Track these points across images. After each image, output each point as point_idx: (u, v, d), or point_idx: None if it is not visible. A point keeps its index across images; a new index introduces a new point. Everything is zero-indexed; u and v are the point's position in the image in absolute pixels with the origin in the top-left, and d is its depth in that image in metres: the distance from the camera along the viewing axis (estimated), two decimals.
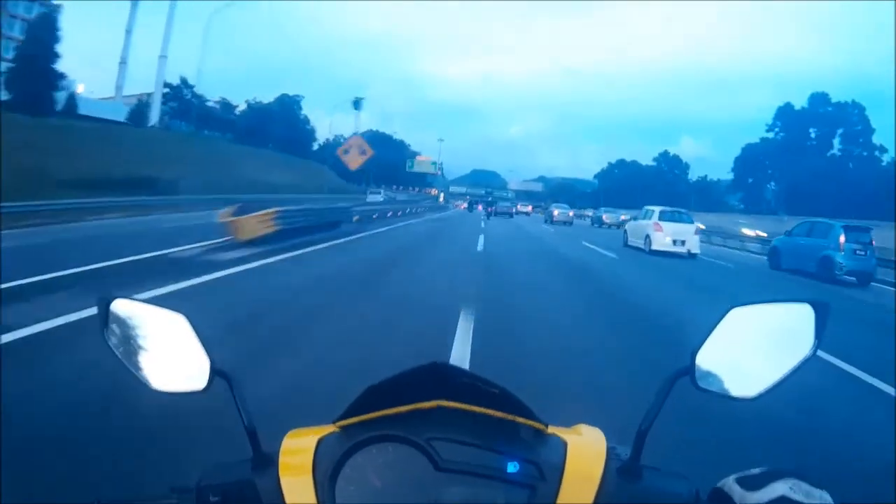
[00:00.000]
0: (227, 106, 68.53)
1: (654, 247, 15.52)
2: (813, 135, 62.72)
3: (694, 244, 15.78)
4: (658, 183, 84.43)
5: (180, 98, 60.60)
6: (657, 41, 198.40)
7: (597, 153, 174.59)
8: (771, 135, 65.49)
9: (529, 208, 69.24)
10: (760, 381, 0.65)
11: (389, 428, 0.61)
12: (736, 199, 69.42)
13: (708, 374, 0.66)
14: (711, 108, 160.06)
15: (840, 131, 60.26)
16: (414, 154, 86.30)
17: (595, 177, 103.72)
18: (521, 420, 0.63)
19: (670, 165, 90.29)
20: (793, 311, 0.66)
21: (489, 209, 49.06)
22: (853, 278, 12.26)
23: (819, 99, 63.06)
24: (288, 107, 73.50)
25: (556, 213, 36.81)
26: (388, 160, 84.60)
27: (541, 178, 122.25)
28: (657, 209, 16.33)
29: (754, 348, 0.66)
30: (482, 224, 26.43)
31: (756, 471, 0.62)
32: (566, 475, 0.60)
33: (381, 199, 43.88)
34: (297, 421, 0.77)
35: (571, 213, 38.36)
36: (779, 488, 0.58)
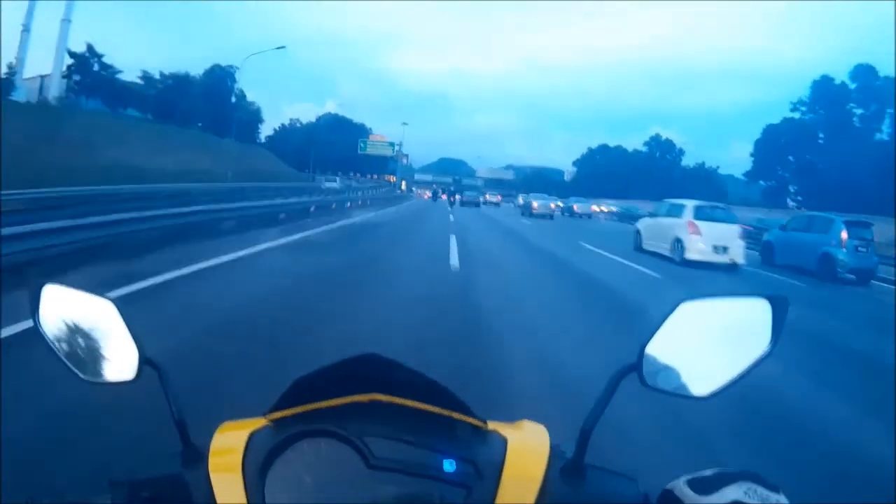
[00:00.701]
0: (150, 81, 60.75)
1: (689, 255, 11.83)
2: (855, 114, 52.77)
3: (738, 251, 12.02)
4: (650, 169, 74.81)
5: (86, 70, 52.89)
6: (627, 32, 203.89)
7: (567, 143, 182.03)
8: (796, 115, 56.30)
9: (499, 198, 66.18)
10: (713, 379, 0.63)
11: (322, 422, 0.61)
12: (754, 190, 61.65)
13: (657, 372, 0.65)
14: (685, 100, 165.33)
15: (891, 111, 49.52)
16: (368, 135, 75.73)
17: (574, 163, 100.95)
18: (458, 416, 0.63)
19: (662, 150, 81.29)
20: (748, 305, 0.64)
21: (452, 198, 46.72)
22: (853, 276, 11.68)
23: (864, 72, 52.39)
24: (219, 80, 65.06)
25: (535, 204, 33.41)
26: (347, 145, 79.52)
27: (510, 167, 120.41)
28: (690, 204, 12.68)
29: (707, 345, 0.65)
30: (450, 217, 22.74)
31: (708, 472, 0.59)
32: (505, 474, 0.60)
33: (338, 188, 42.56)
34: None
35: (553, 206, 34.90)
36: (732, 492, 0.56)
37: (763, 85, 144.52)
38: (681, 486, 0.59)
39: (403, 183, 74.97)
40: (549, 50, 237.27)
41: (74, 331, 0.74)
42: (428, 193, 68.11)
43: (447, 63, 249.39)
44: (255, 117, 69.98)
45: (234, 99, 61.14)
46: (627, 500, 0.62)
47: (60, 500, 0.66)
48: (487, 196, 65.66)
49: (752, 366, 0.63)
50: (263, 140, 74.58)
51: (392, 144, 75.14)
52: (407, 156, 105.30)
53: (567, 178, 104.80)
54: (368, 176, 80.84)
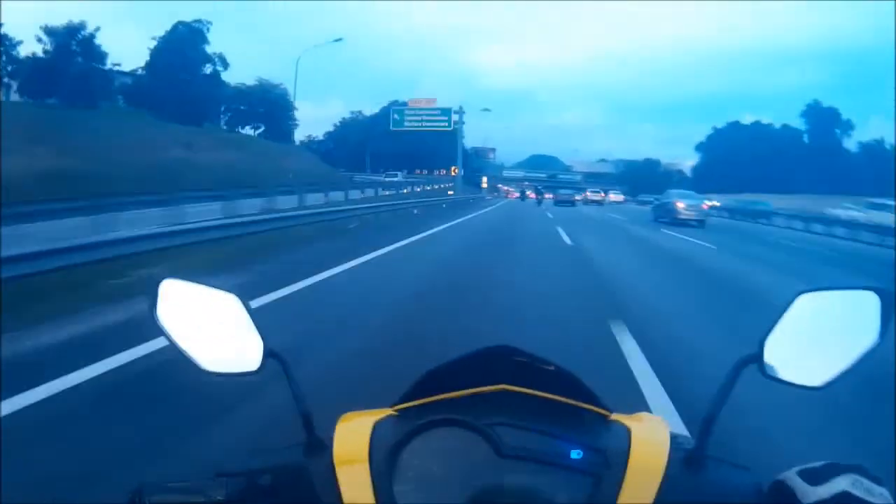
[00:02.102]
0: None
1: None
2: None
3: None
4: (805, 154, 56.23)
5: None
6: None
7: (659, 135, 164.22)
8: None
9: (602, 196, 57.10)
10: (827, 369, 0.67)
11: (449, 412, 0.64)
12: None
13: (775, 362, 0.69)
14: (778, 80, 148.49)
15: None
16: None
17: (698, 148, 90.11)
18: (584, 406, 0.67)
19: (825, 124, 61.57)
20: (857, 298, 0.68)
21: (541, 196, 43.85)
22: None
23: None
24: (183, 41, 48.46)
25: (680, 206, 24.23)
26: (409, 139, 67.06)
27: (602, 160, 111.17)
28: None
29: (820, 336, 0.69)
30: (565, 238, 14.92)
31: (817, 464, 0.63)
32: (631, 463, 0.63)
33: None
34: None
35: (707, 206, 26.80)
36: (841, 483, 0.60)
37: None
38: (792, 476, 0.64)
39: (485, 180, 65.33)
40: (631, 40, 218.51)
41: (195, 324, 0.76)
42: (516, 193, 62.44)
43: (528, 59, 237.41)
44: (284, 106, 57.93)
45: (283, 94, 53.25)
46: (744, 490, 0.66)
47: (172, 490, 0.67)
48: (588, 193, 57.60)
49: (862, 356, 0.65)
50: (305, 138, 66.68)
51: (446, 112, 49.58)
52: (494, 150, 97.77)
53: (683, 169, 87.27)
54: (426, 172, 69.21)
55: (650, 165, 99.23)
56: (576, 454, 0.63)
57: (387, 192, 33.68)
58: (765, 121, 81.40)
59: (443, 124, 50.33)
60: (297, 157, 44.50)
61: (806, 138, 71.93)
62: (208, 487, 0.67)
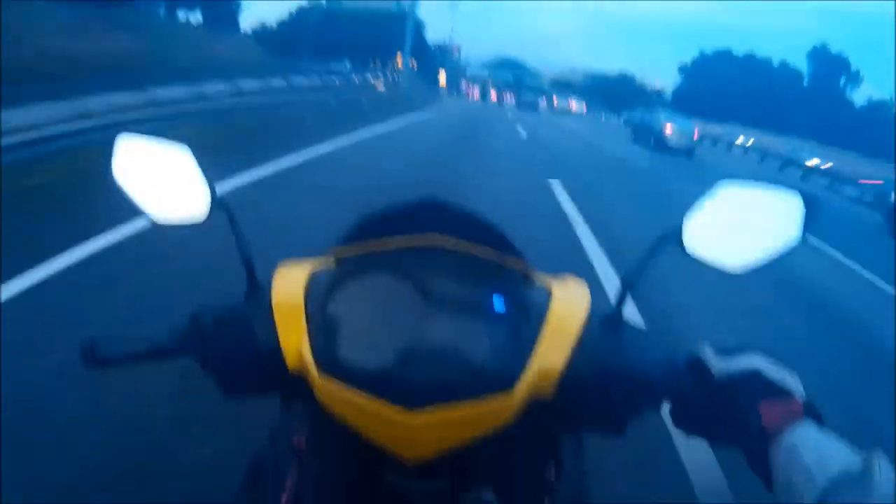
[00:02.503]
0: None
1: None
2: None
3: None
4: (802, 97, 51.40)
5: None
6: None
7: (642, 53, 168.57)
8: None
9: (583, 107, 55.06)
10: (745, 257, 0.71)
11: (382, 258, 0.68)
12: None
13: (696, 241, 0.72)
14: None
15: None
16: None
17: (682, 70, 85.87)
18: (510, 261, 0.70)
19: (830, 70, 55.91)
20: (781, 198, 0.70)
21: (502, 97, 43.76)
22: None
23: None
24: None
25: (669, 128, 21.55)
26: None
27: (571, 70, 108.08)
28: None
29: (740, 225, 0.72)
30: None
31: (728, 344, 0.69)
32: (549, 319, 0.68)
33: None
34: None
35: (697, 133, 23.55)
36: (752, 361, 0.65)
37: None
38: (705, 349, 0.68)
39: (443, 75, 55.90)
40: None
41: (148, 177, 0.80)
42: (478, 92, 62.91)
43: None
44: None
45: None
46: (658, 355, 0.70)
47: (121, 340, 0.73)
48: (557, 100, 54.76)
49: (779, 251, 0.70)
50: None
51: None
52: (459, 48, 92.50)
53: (659, 87, 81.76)
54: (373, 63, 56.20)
55: (624, 82, 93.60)
56: (498, 303, 0.66)
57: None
58: (760, 55, 75.51)
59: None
60: (230, 47, 36.87)
61: (806, 82, 69.15)
62: (155, 336, 0.72)
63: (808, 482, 0.51)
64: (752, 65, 71.41)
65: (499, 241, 0.69)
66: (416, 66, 44.82)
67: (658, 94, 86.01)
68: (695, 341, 0.72)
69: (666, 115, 23.56)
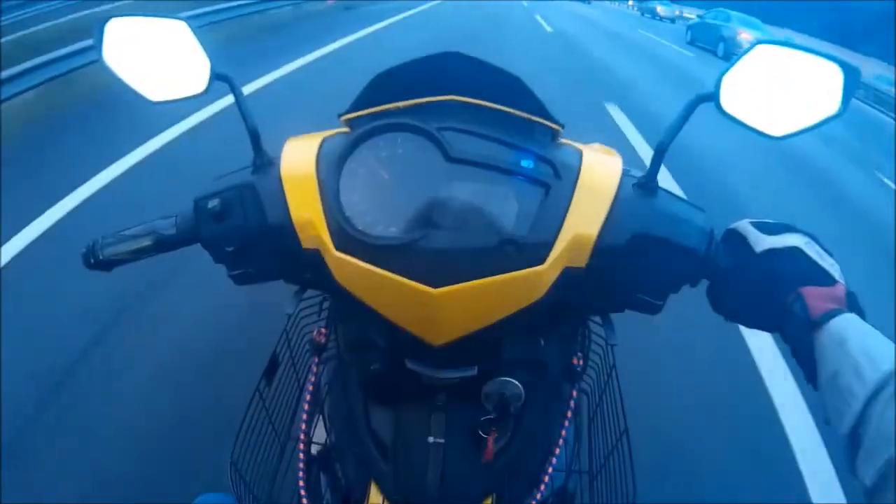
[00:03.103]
0: None
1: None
2: None
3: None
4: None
5: None
6: None
7: None
8: None
9: None
10: (784, 123, 0.67)
11: (398, 120, 0.63)
12: None
13: (732, 102, 0.67)
14: None
15: None
16: None
17: None
18: (537, 119, 0.67)
19: None
20: (822, 65, 0.66)
21: None
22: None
23: None
24: None
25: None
26: None
27: None
28: None
29: (778, 90, 0.67)
30: None
31: (771, 221, 0.66)
32: (581, 180, 0.64)
33: None
34: None
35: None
36: (794, 239, 0.63)
37: None
38: (745, 225, 0.66)
39: None
40: None
41: (143, 57, 0.75)
42: None
43: None
44: None
45: None
46: (696, 225, 0.66)
47: (123, 238, 0.71)
48: None
49: (821, 122, 0.65)
50: None
51: None
52: None
53: None
54: None
55: None
56: (527, 162, 0.62)
57: None
58: None
59: None
60: None
61: None
62: (158, 226, 0.70)
63: (857, 377, 0.50)
64: None
65: (525, 98, 0.66)
66: None
67: None
68: (735, 215, 0.69)
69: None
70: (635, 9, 40.14)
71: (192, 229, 0.68)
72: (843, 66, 0.65)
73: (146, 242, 0.70)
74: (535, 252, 0.59)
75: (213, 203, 0.66)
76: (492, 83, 0.66)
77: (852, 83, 0.65)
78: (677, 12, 39.21)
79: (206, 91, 0.74)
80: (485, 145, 0.62)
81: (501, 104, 0.65)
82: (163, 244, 0.70)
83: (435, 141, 0.61)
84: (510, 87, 0.66)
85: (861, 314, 0.56)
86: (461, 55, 0.66)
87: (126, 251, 0.70)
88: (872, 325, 0.54)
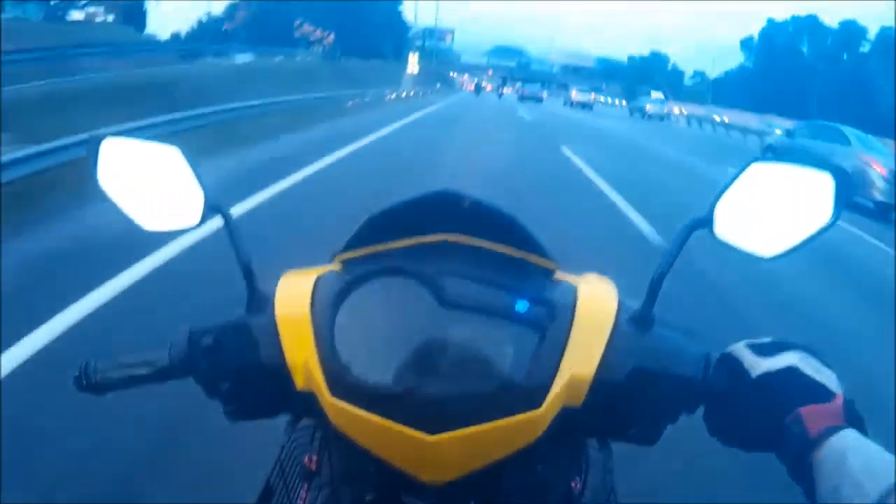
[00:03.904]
0: None
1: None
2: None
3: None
4: None
5: None
6: None
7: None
8: None
9: (592, 96, 48.16)
10: (778, 241, 0.69)
11: (392, 261, 0.67)
12: None
13: (727, 227, 0.71)
14: None
15: None
16: None
17: (743, 46, 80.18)
18: (532, 258, 0.70)
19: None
20: (813, 177, 0.68)
21: (501, 90, 45.48)
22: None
23: None
24: None
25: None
26: None
27: (581, 55, 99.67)
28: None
29: (773, 208, 0.70)
30: None
31: (766, 339, 0.67)
32: (577, 319, 0.65)
33: None
34: None
35: None
36: (790, 358, 0.63)
37: None
38: (740, 348, 0.67)
39: (414, 62, 43.58)
40: None
41: (136, 182, 0.76)
42: (472, 85, 56.92)
43: None
44: None
45: None
46: (692, 356, 0.68)
47: (118, 364, 0.71)
48: (575, 93, 47.63)
49: (815, 234, 0.67)
50: None
51: None
52: (452, 33, 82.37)
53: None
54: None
55: (656, 62, 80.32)
56: (521, 306, 0.63)
57: None
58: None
59: None
60: None
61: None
62: (152, 357, 0.70)
63: (858, 493, 0.51)
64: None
65: (519, 237, 0.68)
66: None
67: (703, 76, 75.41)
68: (730, 338, 0.71)
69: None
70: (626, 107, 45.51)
71: (186, 363, 0.69)
72: (835, 172, 0.66)
73: (140, 371, 0.70)
74: (532, 396, 0.60)
75: (208, 339, 0.67)
76: (487, 221, 0.68)
77: (844, 189, 0.66)
78: (665, 110, 42.59)
79: (201, 224, 0.74)
80: (480, 289, 0.64)
81: (497, 241, 0.67)
82: (156, 375, 0.70)
83: (429, 286, 0.63)
84: (505, 225, 0.68)
85: (860, 423, 0.58)
86: (455, 193, 0.68)
87: (118, 377, 0.71)
88: (872, 431, 0.56)
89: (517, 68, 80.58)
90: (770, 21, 75.77)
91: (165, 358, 0.69)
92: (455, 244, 0.66)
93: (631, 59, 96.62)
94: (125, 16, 45.91)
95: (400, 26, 59.29)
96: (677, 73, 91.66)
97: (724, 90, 72.18)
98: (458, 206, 0.67)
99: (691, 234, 0.70)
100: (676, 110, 42.50)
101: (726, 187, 0.70)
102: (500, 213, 0.67)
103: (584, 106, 44.51)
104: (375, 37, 43.77)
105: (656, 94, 46.72)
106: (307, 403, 0.63)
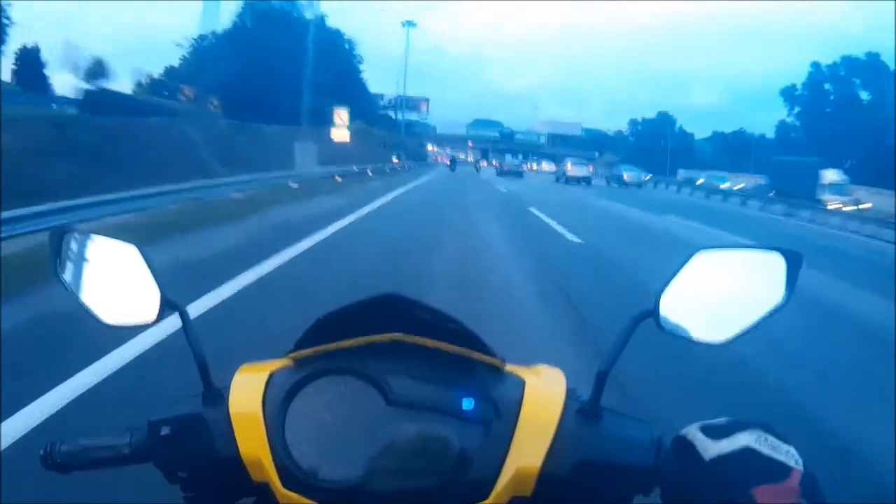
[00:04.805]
0: None
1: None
2: None
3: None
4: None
5: None
6: None
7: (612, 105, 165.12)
8: None
9: (590, 169, 42.45)
10: (728, 327, 0.72)
11: (341, 361, 0.71)
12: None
13: (673, 317, 0.73)
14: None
15: None
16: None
17: (783, 95, 68.73)
18: (477, 356, 0.72)
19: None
20: (762, 258, 0.72)
21: (479, 164, 47.29)
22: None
23: None
24: None
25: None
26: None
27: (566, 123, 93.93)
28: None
29: (721, 293, 0.73)
30: None
31: (721, 420, 0.69)
32: (523, 414, 0.68)
33: None
34: None
35: None
36: (744, 438, 0.64)
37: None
38: (693, 431, 0.68)
39: (343, 122, 34.06)
40: (589, 9, 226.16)
41: (95, 276, 0.82)
42: (446, 159, 53.73)
43: (480, 19, 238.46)
44: None
45: None
46: (643, 444, 0.70)
47: (81, 446, 0.76)
48: (570, 166, 40.36)
49: (766, 315, 0.70)
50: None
51: None
52: (427, 102, 75.89)
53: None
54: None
55: (664, 124, 74.33)
56: (467, 403, 0.66)
57: None
58: None
59: None
60: None
61: None
62: (115, 441, 0.75)
63: None
64: None
65: (464, 336, 0.72)
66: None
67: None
68: (682, 420, 0.72)
69: (624, 166, 45.82)
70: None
71: (146, 450, 0.73)
72: (786, 253, 0.69)
73: (102, 454, 0.75)
74: (479, 488, 0.64)
75: (166, 429, 0.71)
76: (432, 320, 0.71)
77: (795, 269, 0.68)
78: (644, 178, 43.80)
79: (158, 321, 0.78)
80: (426, 387, 0.67)
81: (443, 340, 0.70)
82: (117, 460, 0.75)
83: (376, 385, 0.67)
84: (451, 327, 0.71)
85: (819, 497, 0.60)
86: (401, 297, 0.71)
87: (82, 460, 0.75)
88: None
89: (500, 139, 75.55)
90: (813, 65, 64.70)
91: (126, 444, 0.73)
92: (403, 343, 0.70)
93: (633, 122, 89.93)
94: None
95: (361, 92, 51.53)
96: (685, 135, 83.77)
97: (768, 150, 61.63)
98: (405, 307, 0.70)
99: (636, 327, 0.72)
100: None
101: (671, 277, 0.72)
102: (444, 314, 0.71)
103: (582, 181, 38.72)
104: (328, 103, 36.20)
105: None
106: (264, 494, 0.68)
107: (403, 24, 65.11)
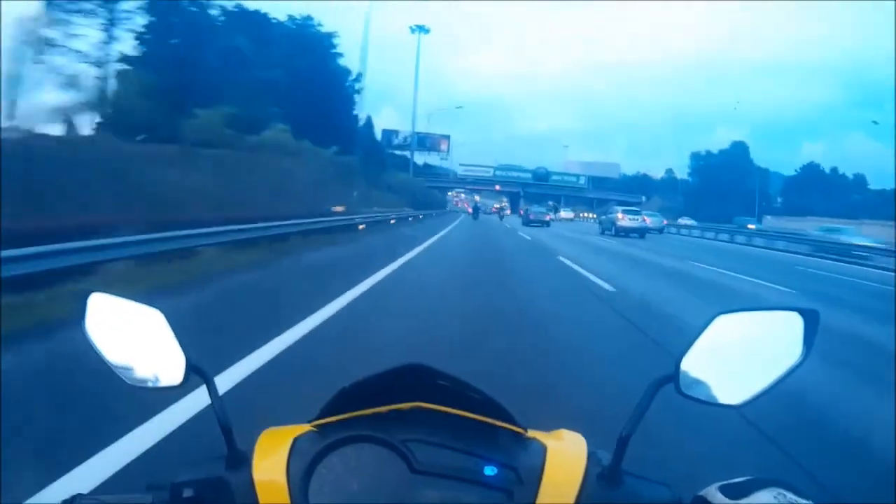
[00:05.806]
0: None
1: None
2: None
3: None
4: None
5: None
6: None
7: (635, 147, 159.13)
8: None
9: (646, 220, 32.67)
10: (747, 388, 0.74)
11: (365, 428, 0.73)
12: None
13: (693, 381, 0.76)
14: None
15: None
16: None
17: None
18: (499, 424, 0.75)
19: None
20: (781, 318, 0.73)
21: (503, 211, 46.49)
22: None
23: None
24: None
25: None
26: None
27: (608, 164, 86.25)
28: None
29: (741, 355, 0.75)
30: None
31: (740, 479, 0.71)
32: (545, 480, 0.71)
33: None
34: None
35: None
36: (763, 497, 0.67)
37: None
38: (713, 492, 0.70)
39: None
40: (609, 51, 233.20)
41: (121, 338, 0.85)
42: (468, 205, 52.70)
43: (503, 65, 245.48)
44: None
45: None
46: (662, 502, 0.73)
47: (99, 499, 0.77)
48: (620, 215, 31.18)
49: (784, 375, 0.71)
50: None
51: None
52: (448, 139, 69.84)
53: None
54: None
55: (738, 156, 65.86)
56: (489, 470, 0.69)
57: None
58: None
59: None
60: None
61: None
62: (137, 500, 0.76)
63: None
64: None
65: (486, 405, 0.73)
66: None
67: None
68: (704, 481, 0.74)
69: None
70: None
71: None
72: (803, 312, 0.68)
73: None
74: None
75: (189, 491, 0.73)
76: (456, 391, 0.72)
77: (813, 326, 0.68)
78: (664, 223, 38.85)
79: (183, 384, 0.80)
80: (449, 455, 0.69)
81: (466, 410, 0.72)
82: None
83: (399, 453, 0.69)
84: (473, 396, 0.73)
85: None
86: (424, 366, 0.73)
87: None
88: None
89: (533, 181, 66.51)
90: None
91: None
92: (426, 411, 0.71)
93: (695, 156, 79.70)
94: None
95: (355, 129, 42.54)
96: (762, 171, 72.79)
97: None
98: (427, 377, 0.71)
99: (657, 392, 0.73)
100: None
101: (692, 342, 0.73)
102: (466, 383, 0.72)
103: (636, 231, 30.76)
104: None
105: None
106: None
107: (412, 30, 60.67)
